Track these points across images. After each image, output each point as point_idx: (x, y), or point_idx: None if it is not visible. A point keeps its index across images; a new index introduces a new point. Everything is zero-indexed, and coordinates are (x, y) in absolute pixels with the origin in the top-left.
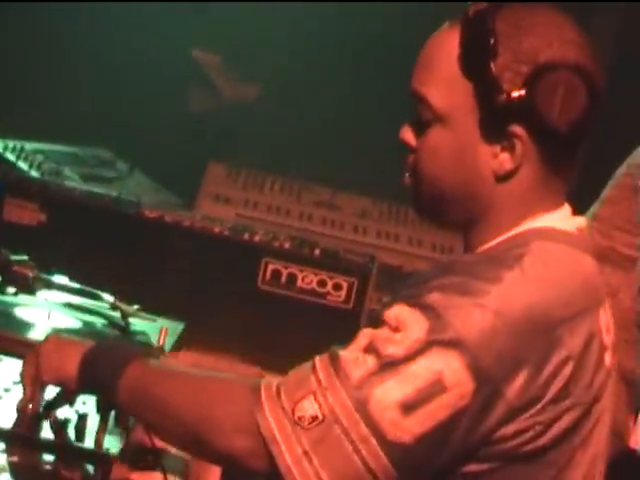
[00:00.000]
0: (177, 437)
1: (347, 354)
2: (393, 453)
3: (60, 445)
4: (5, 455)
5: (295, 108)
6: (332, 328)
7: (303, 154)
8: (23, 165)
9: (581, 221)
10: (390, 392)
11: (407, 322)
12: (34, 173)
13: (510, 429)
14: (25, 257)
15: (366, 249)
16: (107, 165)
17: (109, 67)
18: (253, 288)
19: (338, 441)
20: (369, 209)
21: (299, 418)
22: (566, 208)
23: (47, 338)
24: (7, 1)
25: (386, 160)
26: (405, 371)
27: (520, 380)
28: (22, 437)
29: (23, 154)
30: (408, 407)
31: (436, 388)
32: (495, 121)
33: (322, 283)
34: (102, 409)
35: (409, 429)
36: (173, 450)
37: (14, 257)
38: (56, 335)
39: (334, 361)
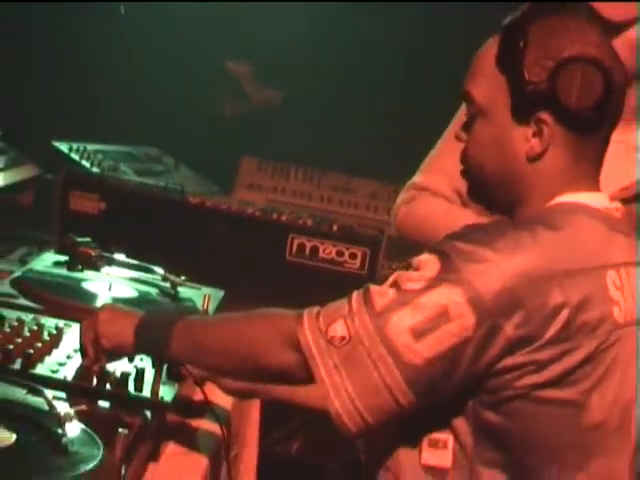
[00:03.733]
0: (236, 369)
1: (377, 288)
2: (406, 372)
3: (122, 395)
4: (72, 404)
5: (315, 108)
6: (349, 291)
7: (321, 147)
8: (86, 163)
9: (615, 204)
10: (404, 319)
11: (425, 264)
12: (95, 169)
13: (510, 361)
14: (89, 239)
15: (377, 224)
16: (156, 161)
17: (157, 79)
18: (282, 260)
19: (361, 359)
20: (378, 191)
21: (331, 338)
22: (597, 192)
23: (103, 307)
24: (59, 1)
25: (394, 150)
26: (417, 302)
27: (518, 318)
28: (90, 389)
29: (85, 154)
30: (419, 333)
31: (442, 318)
32: (524, 109)
33: (340, 253)
34: (156, 364)
35: (420, 352)
36: (218, 399)
37: (80, 239)
38: (110, 305)
39: (365, 292)
